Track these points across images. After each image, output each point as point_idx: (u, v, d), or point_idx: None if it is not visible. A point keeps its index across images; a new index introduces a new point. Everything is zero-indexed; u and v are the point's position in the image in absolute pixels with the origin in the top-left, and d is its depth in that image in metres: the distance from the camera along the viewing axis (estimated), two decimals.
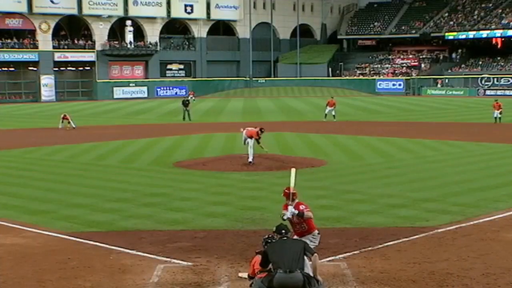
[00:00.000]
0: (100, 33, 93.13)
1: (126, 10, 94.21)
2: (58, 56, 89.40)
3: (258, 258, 10.63)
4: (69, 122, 46.56)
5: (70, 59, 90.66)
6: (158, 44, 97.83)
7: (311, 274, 10.08)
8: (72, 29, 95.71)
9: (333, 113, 49.83)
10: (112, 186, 22.39)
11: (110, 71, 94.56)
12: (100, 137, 39.89)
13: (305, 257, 10.11)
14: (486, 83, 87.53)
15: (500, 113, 46.07)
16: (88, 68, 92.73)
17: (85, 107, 72.91)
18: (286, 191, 12.01)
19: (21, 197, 20.51)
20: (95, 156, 30.87)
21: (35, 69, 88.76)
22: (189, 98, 62.86)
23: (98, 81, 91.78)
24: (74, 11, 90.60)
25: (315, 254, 10.22)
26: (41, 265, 13.23)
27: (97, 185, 22.61)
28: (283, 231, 10.54)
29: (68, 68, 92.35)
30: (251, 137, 26.70)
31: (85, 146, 35.13)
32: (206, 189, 21.43)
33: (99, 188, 21.85)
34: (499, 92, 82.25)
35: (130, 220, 17.10)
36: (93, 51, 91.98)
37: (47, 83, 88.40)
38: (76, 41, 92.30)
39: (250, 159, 26.46)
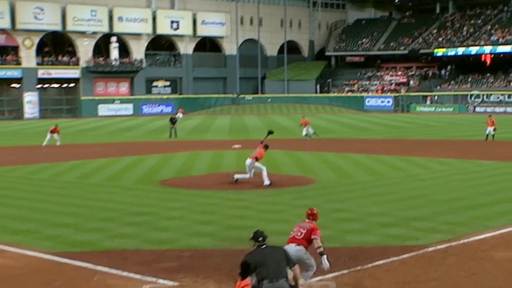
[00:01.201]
0: (85, 49, 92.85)
1: (111, 26, 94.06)
2: (42, 73, 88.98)
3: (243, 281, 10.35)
4: (57, 134, 46.10)
5: (54, 75, 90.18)
6: (144, 60, 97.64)
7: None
8: (56, 45, 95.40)
9: (310, 130, 49.60)
10: (97, 205, 22.03)
11: (95, 88, 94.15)
12: (85, 155, 39.51)
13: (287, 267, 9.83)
14: (476, 99, 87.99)
15: (494, 129, 45.69)
16: (73, 85, 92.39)
17: (69, 124, 72.39)
18: (308, 212, 12.22)
19: (3, 216, 20.11)
20: (79, 175, 30.48)
21: (18, 86, 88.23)
22: (177, 116, 62.56)
23: (82, 98, 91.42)
24: (58, 27, 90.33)
25: (297, 265, 9.98)
26: (24, 286, 12.95)
27: (82, 204, 22.24)
28: (261, 238, 10.10)
29: (52, 85, 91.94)
30: (255, 159, 26.06)
31: (69, 164, 34.73)
32: (193, 208, 21.15)
33: (83, 207, 21.49)
34: (489, 109, 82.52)
35: (115, 239, 16.79)
36: (78, 68, 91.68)
37: (30, 100, 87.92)
38: (60, 58, 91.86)
39: (266, 182, 25.50)
